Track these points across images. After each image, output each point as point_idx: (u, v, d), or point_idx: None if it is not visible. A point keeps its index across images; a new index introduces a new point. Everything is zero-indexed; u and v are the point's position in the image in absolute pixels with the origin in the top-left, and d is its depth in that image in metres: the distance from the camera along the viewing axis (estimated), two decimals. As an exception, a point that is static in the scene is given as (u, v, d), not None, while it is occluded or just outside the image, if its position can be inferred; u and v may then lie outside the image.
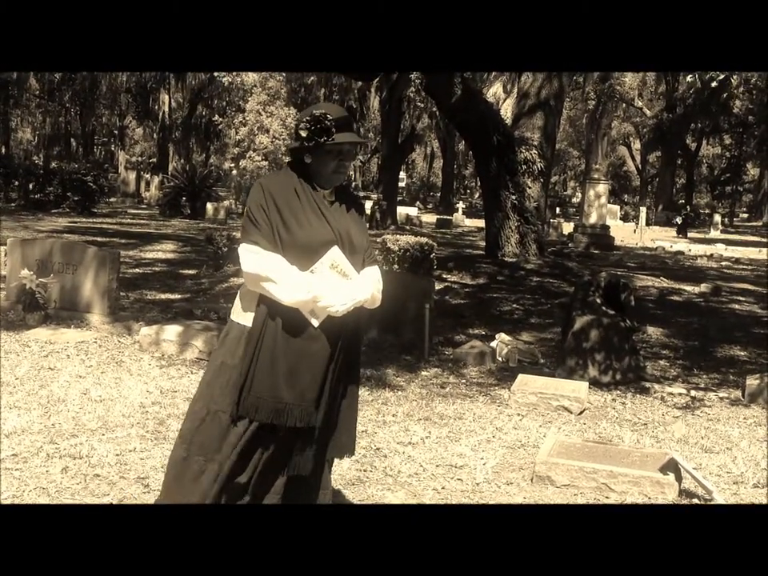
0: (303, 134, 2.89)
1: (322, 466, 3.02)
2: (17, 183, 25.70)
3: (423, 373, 6.76)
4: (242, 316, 2.94)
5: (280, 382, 2.80)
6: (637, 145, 53.42)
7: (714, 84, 8.87)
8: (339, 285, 2.85)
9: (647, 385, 6.65)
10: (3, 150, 39.36)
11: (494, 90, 14.16)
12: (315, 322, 2.83)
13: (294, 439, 2.87)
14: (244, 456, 2.86)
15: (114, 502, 3.78)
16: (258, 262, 2.81)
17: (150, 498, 3.85)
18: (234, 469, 2.86)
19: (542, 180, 13.60)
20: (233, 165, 39.20)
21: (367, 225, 3.19)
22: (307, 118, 2.89)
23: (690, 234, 30.46)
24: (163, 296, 9.72)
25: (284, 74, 35.05)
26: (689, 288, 13.13)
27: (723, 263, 19.87)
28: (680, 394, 6.45)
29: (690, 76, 8.70)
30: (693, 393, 6.48)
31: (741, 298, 12.56)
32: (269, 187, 2.90)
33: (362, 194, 40.18)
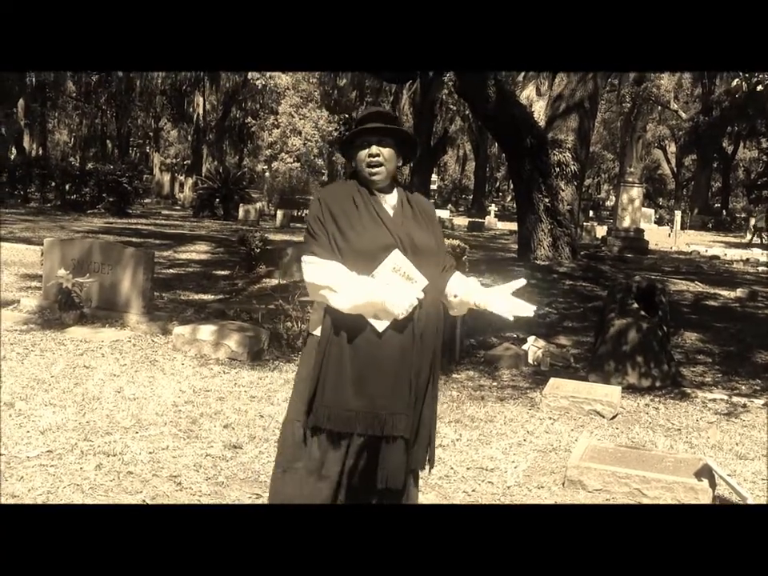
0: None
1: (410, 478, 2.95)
2: (53, 184, 26.08)
3: (454, 375, 6.74)
4: (314, 327, 2.91)
5: (348, 390, 2.75)
6: (672, 148, 52.88)
7: (759, 88, 8.68)
8: (400, 287, 2.75)
9: (687, 390, 6.57)
10: (40, 152, 39.98)
11: (527, 93, 14.08)
12: (380, 327, 2.76)
13: (377, 450, 2.81)
14: (330, 467, 2.82)
15: (147, 500, 3.82)
16: (315, 271, 2.77)
17: (182, 496, 3.88)
18: (327, 480, 2.82)
19: (575, 183, 13.50)
20: (266, 167, 39.49)
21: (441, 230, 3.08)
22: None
23: (727, 239, 30.11)
24: (197, 296, 9.80)
25: (317, 77, 35.21)
26: (724, 293, 12.95)
27: (760, 268, 19.61)
28: (720, 400, 6.36)
29: (737, 80, 8.53)
30: (734, 399, 6.39)
31: (778, 304, 12.37)
32: (325, 198, 2.85)
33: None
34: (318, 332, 2.87)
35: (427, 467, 2.97)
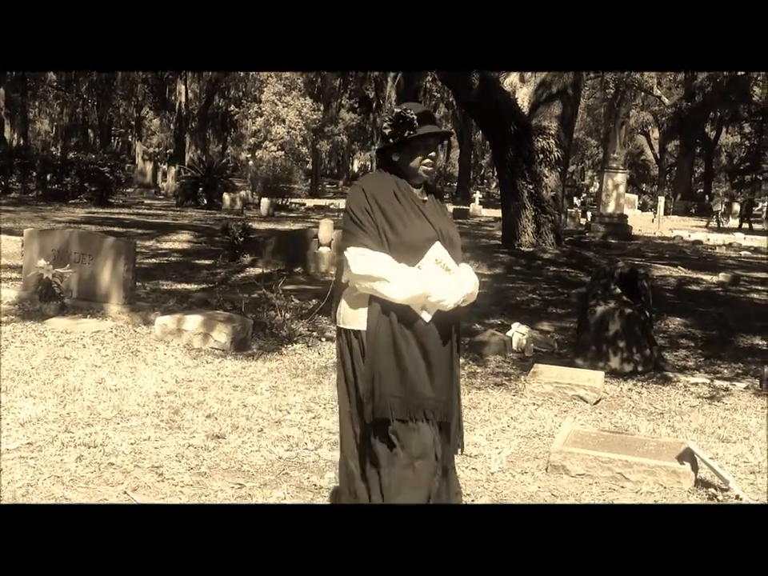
0: (387, 131, 2.95)
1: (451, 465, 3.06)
2: (34, 174, 25.85)
3: (438, 362, 6.72)
4: (354, 321, 2.94)
5: (409, 378, 2.83)
6: (655, 134, 53.02)
7: (741, 72, 8.78)
8: (445, 279, 2.90)
9: (669, 374, 6.60)
10: (21, 141, 39.56)
11: (511, 79, 14.06)
12: (427, 317, 2.87)
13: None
14: (419, 452, 2.87)
15: (129, 491, 3.79)
16: (368, 263, 2.83)
17: (164, 487, 3.86)
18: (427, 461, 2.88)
19: (559, 169, 13.52)
20: (249, 155, 39.28)
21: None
22: (390, 116, 2.95)
23: (711, 224, 30.26)
24: (179, 286, 9.74)
25: (300, 64, 34.98)
26: (707, 277, 13.03)
27: (742, 252, 19.73)
28: (703, 384, 6.39)
29: None
30: (716, 383, 6.42)
31: (760, 287, 12.45)
32: (370, 189, 2.92)
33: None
34: (354, 326, 2.94)
35: (459, 450, 3.14)
